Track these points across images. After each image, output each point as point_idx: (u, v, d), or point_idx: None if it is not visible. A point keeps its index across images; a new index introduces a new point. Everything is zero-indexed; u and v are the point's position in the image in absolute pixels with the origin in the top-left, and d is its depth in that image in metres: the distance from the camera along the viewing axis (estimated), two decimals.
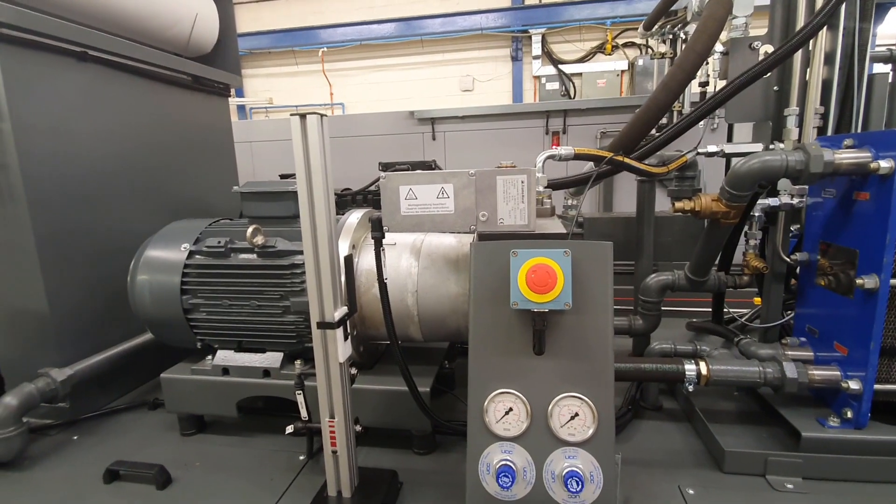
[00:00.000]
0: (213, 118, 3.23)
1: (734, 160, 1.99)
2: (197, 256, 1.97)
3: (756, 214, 2.02)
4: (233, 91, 3.47)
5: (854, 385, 1.61)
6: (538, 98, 9.87)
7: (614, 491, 1.23)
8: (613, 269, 1.26)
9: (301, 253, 1.83)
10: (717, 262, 2.18)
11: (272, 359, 1.94)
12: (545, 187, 1.74)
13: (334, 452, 1.46)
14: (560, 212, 2.43)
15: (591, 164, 2.11)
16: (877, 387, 1.62)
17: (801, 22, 1.99)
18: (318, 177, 1.31)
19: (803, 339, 1.92)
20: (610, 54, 9.35)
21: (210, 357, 2.01)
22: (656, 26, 3.58)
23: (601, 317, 1.24)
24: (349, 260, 1.44)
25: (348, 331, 1.42)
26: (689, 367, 1.74)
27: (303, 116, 1.28)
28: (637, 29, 3.59)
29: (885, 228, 1.49)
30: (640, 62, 8.31)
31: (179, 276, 1.94)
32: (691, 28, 2.76)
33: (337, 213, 2.08)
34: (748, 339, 2.02)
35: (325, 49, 9.72)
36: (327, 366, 1.41)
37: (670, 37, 3.49)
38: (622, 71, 9.30)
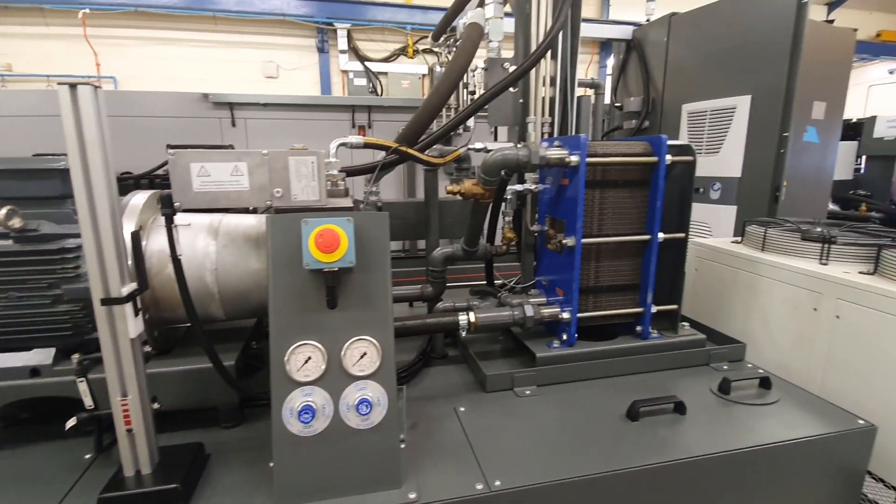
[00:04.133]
0: None
1: None
2: None
3: (508, 197, 2.61)
4: None
5: (566, 315, 2.27)
6: (346, 92, 10.04)
7: (398, 413, 1.54)
8: (390, 236, 1.56)
9: (74, 236, 1.69)
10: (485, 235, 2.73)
11: (42, 355, 1.73)
12: (339, 171, 1.98)
13: (129, 431, 1.44)
14: (361, 198, 2.69)
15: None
16: (580, 315, 2.31)
17: (533, 48, 2.61)
18: (95, 149, 1.28)
19: (541, 289, 2.59)
20: (412, 57, 10.09)
21: None
22: (442, 38, 4.14)
23: (381, 272, 1.53)
24: (136, 235, 1.43)
25: (139, 306, 1.42)
26: (462, 317, 2.20)
27: (73, 86, 1.24)
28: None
29: (577, 203, 2.15)
30: (438, 69, 9.18)
31: None
32: None
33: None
34: (506, 293, 2.60)
35: (88, 10, 8.14)
36: (115, 344, 1.39)
37: (454, 48, 4.09)
38: (423, 74, 10.13)
